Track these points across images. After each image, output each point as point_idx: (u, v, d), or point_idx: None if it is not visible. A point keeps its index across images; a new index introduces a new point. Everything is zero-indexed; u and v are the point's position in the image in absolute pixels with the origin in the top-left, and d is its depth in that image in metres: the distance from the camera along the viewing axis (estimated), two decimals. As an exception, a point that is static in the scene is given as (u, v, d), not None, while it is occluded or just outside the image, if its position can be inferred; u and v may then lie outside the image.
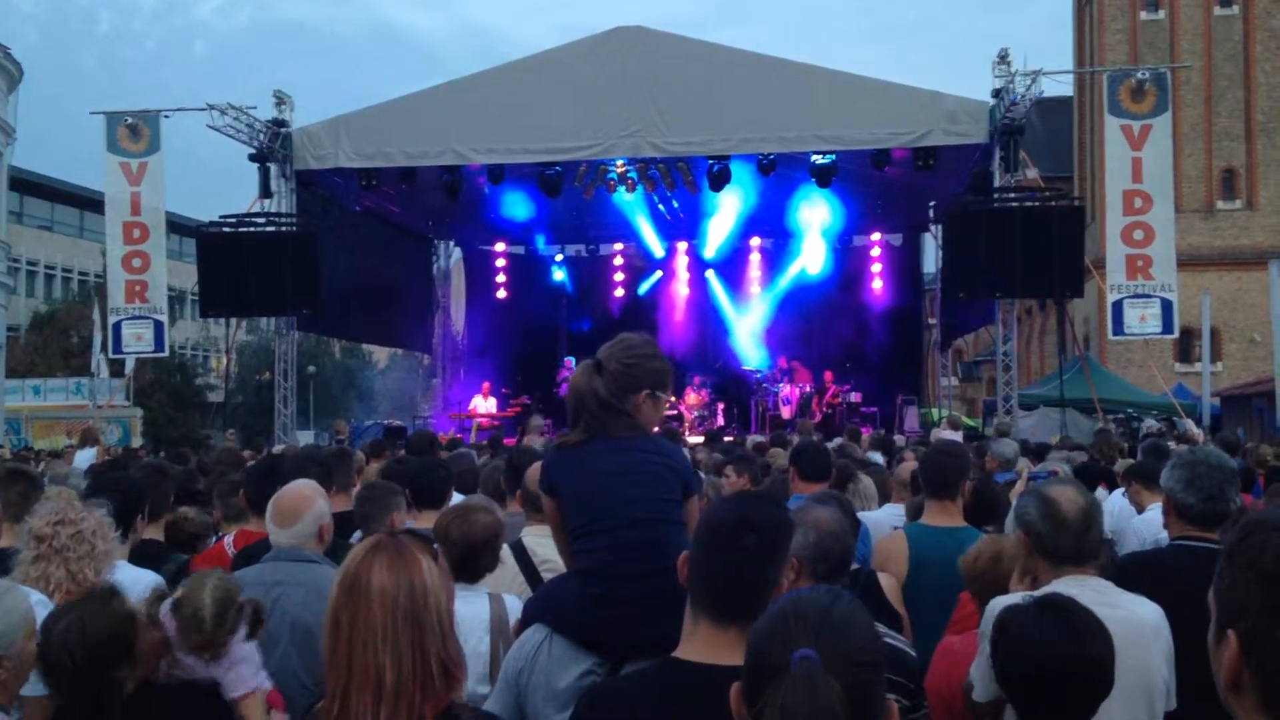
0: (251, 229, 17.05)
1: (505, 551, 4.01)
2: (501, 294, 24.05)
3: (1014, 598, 2.95)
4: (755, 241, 22.92)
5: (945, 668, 3.18)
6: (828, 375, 20.97)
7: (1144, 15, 38.16)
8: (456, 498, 5.07)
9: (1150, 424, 19.94)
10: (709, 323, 23.55)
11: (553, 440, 3.04)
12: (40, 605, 3.21)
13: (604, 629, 2.69)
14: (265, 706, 2.94)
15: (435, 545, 2.11)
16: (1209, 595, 1.46)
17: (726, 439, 14.30)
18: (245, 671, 2.93)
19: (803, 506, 3.43)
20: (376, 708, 1.93)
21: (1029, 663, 2.24)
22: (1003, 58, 16.07)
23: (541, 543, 3.85)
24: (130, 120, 17.56)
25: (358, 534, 4.43)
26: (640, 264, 23.80)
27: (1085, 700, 2.24)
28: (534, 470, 4.23)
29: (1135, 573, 3.33)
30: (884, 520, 5.39)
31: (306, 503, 3.70)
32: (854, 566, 3.57)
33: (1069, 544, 2.98)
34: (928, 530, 4.32)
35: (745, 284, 23.36)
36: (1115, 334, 16.92)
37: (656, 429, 3.26)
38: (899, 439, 13.90)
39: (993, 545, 3.49)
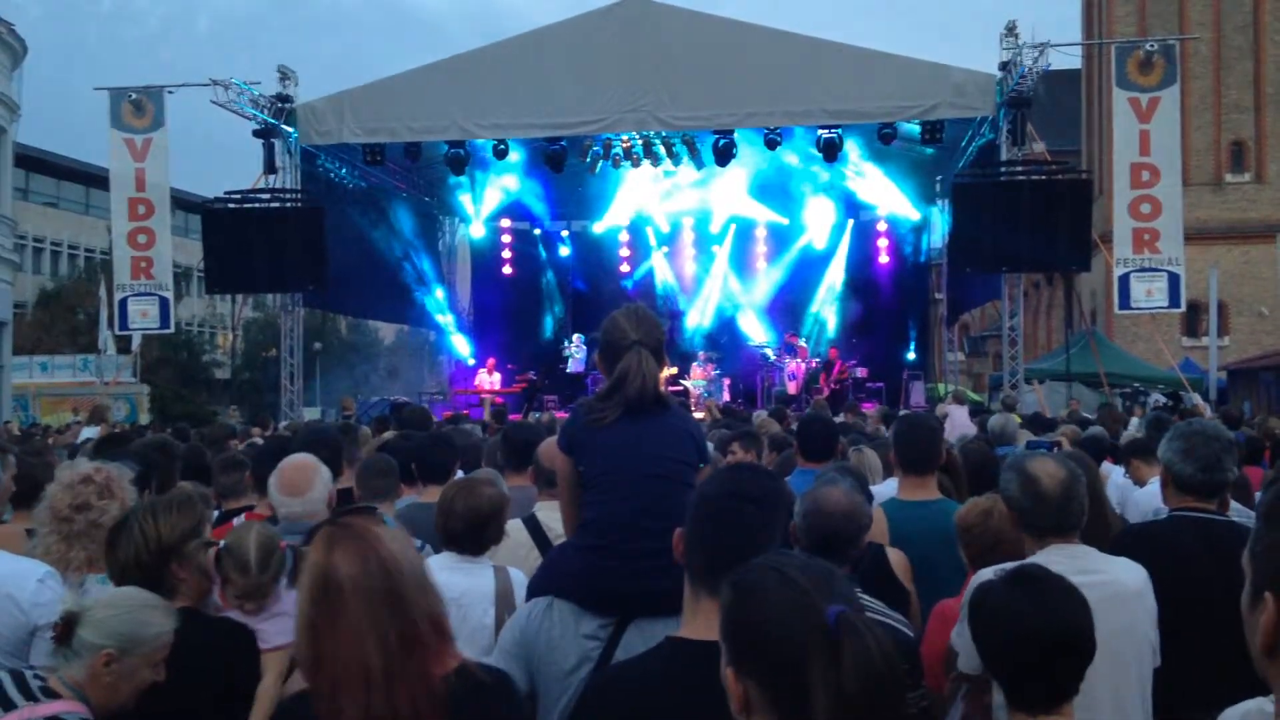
0: (257, 205, 17.04)
1: (517, 525, 4.02)
2: (507, 270, 24.03)
3: (989, 572, 2.97)
4: (761, 216, 22.84)
5: (941, 629, 3.20)
6: (833, 351, 20.97)
7: (1154, -13, 37.83)
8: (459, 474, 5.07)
9: (1156, 398, 19.92)
10: (715, 298, 23.54)
11: (576, 408, 3.00)
12: (50, 578, 3.23)
13: (604, 580, 2.68)
14: (288, 667, 2.97)
15: (377, 510, 2.08)
16: (1244, 557, 1.43)
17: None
18: (283, 625, 2.97)
19: (817, 482, 3.43)
20: (368, 696, 1.90)
21: (1006, 638, 2.23)
22: (1010, 30, 15.97)
23: (555, 517, 3.86)
24: (134, 96, 17.54)
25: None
26: (645, 239, 23.73)
27: (1069, 669, 2.22)
28: (545, 446, 4.23)
29: (1133, 544, 3.34)
30: (888, 494, 5.39)
31: (314, 472, 3.77)
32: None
33: (1050, 518, 3.01)
34: (904, 505, 4.32)
35: (751, 259, 23.31)
36: (1122, 308, 16.88)
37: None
38: (902, 414, 13.87)
39: (985, 502, 3.51)
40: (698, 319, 23.50)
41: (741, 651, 1.55)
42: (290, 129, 17.23)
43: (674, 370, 20.30)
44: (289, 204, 17.04)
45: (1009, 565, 2.77)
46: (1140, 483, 5.91)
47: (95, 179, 38.46)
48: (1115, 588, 2.86)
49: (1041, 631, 2.19)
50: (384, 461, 4.57)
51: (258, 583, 2.93)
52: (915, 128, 16.48)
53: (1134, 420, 13.15)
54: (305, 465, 3.80)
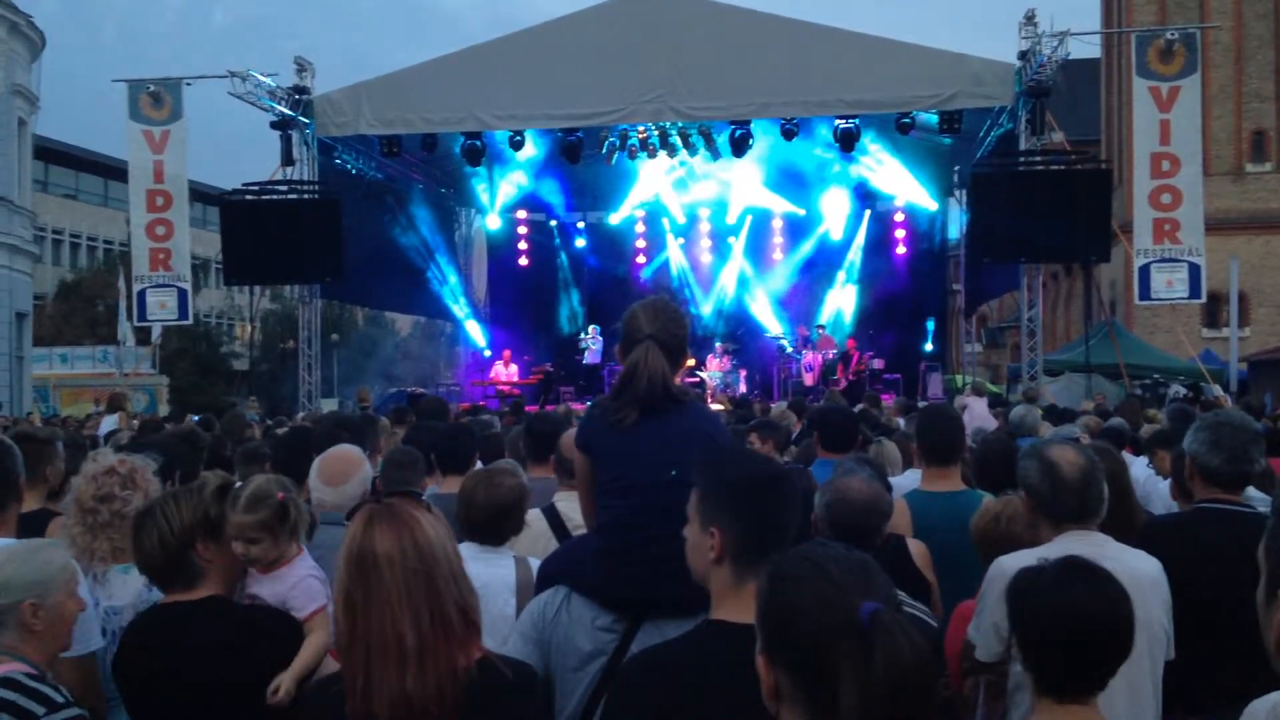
0: (274, 197, 17.09)
1: (536, 515, 4.03)
2: (523, 261, 24.05)
3: (1019, 557, 2.96)
4: (777, 207, 22.77)
5: (963, 629, 3.19)
6: (850, 342, 20.92)
7: (1173, -26, 37.45)
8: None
9: (1177, 390, 19.78)
10: (731, 290, 23.51)
11: (591, 403, 3.00)
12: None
13: (621, 585, 2.69)
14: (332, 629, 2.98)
15: (424, 499, 2.12)
16: (1259, 552, 1.43)
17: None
18: (312, 588, 2.97)
19: (839, 472, 3.44)
20: (401, 672, 1.94)
21: (1053, 624, 2.19)
22: (1029, 19, 15.87)
23: (574, 508, 3.87)
24: (152, 88, 17.61)
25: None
26: (661, 230, 23.71)
27: (1108, 661, 2.20)
28: (567, 436, 4.23)
29: (1159, 535, 3.32)
30: (907, 485, 5.38)
31: (356, 465, 3.80)
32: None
33: (1069, 505, 2.99)
34: (928, 496, 4.33)
35: (768, 250, 23.26)
36: (1142, 299, 16.78)
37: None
38: (924, 406, 13.82)
39: (995, 506, 3.50)
40: (713, 310, 23.48)
41: (773, 640, 1.56)
42: (307, 121, 17.26)
43: (692, 362, 20.25)
44: (306, 196, 17.09)
45: (1038, 550, 2.76)
46: (1165, 474, 5.87)
47: (114, 171, 38.65)
48: (1133, 577, 2.82)
49: (1092, 618, 2.17)
50: (408, 454, 4.57)
51: (240, 521, 2.91)
52: (933, 117, 16.40)
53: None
54: (348, 458, 3.83)
